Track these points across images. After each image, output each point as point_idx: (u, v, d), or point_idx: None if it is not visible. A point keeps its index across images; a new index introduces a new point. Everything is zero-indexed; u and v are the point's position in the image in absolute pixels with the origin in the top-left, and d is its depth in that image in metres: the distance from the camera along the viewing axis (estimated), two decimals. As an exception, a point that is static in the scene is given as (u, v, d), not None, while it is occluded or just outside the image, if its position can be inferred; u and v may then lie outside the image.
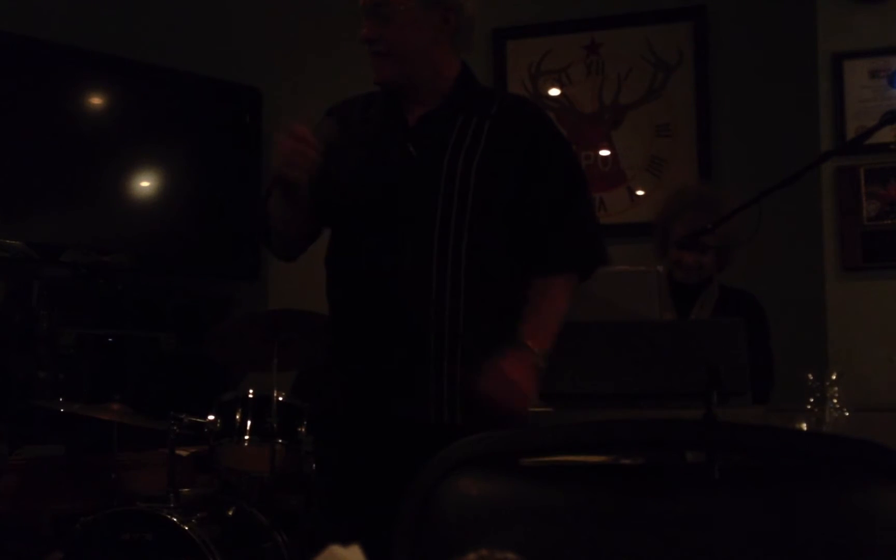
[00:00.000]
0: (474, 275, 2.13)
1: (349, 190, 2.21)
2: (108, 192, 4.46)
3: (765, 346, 3.26)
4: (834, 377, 2.37)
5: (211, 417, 3.27)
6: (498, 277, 2.18)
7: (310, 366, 3.63)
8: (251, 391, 3.29)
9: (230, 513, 3.19)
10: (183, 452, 3.41)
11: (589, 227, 2.29)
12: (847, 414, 2.35)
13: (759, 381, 2.97)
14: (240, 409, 3.27)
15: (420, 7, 2.13)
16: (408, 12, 2.12)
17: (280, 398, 3.20)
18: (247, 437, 3.25)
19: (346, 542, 0.79)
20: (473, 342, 2.11)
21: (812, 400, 2.35)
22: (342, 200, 2.22)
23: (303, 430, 3.23)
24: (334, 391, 2.23)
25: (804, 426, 2.33)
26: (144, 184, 4.60)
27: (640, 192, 4.43)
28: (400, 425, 2.11)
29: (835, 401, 2.35)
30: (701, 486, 1.05)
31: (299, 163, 2.08)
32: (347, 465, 2.18)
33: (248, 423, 3.25)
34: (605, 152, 4.48)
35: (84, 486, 3.75)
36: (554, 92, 4.55)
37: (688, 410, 1.92)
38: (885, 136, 3.21)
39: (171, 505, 3.12)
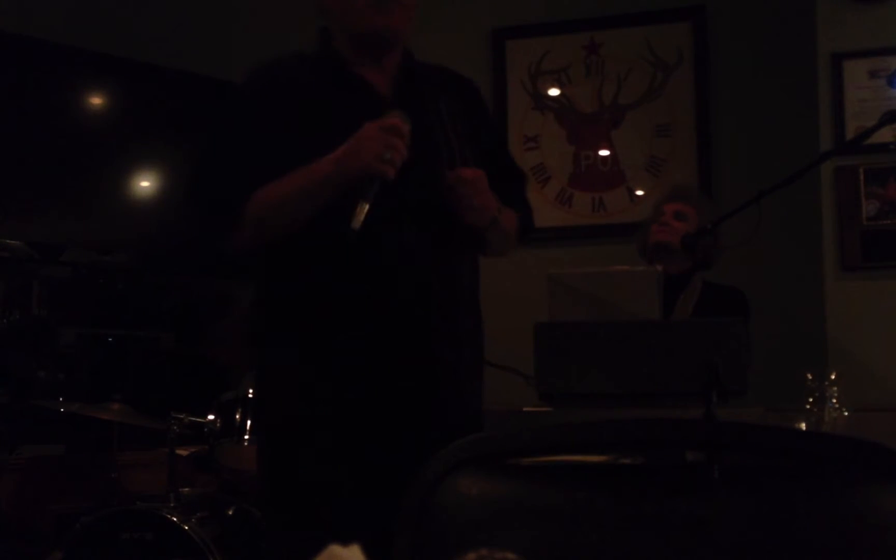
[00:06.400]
0: (467, 249, 2.13)
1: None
2: (108, 192, 4.46)
3: None
4: (833, 377, 2.37)
5: (211, 417, 3.27)
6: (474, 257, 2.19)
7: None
8: (251, 391, 3.29)
9: (230, 513, 3.19)
10: (183, 452, 3.41)
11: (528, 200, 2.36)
12: (846, 414, 2.35)
13: None
14: (240, 409, 3.27)
15: None
16: None
17: (280, 398, 3.20)
18: (247, 437, 3.25)
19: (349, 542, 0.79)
20: (458, 322, 2.10)
21: (811, 400, 2.35)
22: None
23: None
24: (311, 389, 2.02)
25: (804, 426, 2.33)
26: (144, 184, 4.60)
27: (639, 192, 4.43)
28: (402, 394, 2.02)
29: (834, 400, 2.35)
30: (701, 486, 1.05)
31: (395, 158, 1.92)
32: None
33: (248, 422, 3.25)
34: (604, 152, 4.49)
35: (84, 486, 3.75)
36: (553, 92, 4.55)
37: (688, 410, 1.92)
38: (884, 135, 3.21)
39: (171, 505, 3.12)
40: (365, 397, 2.00)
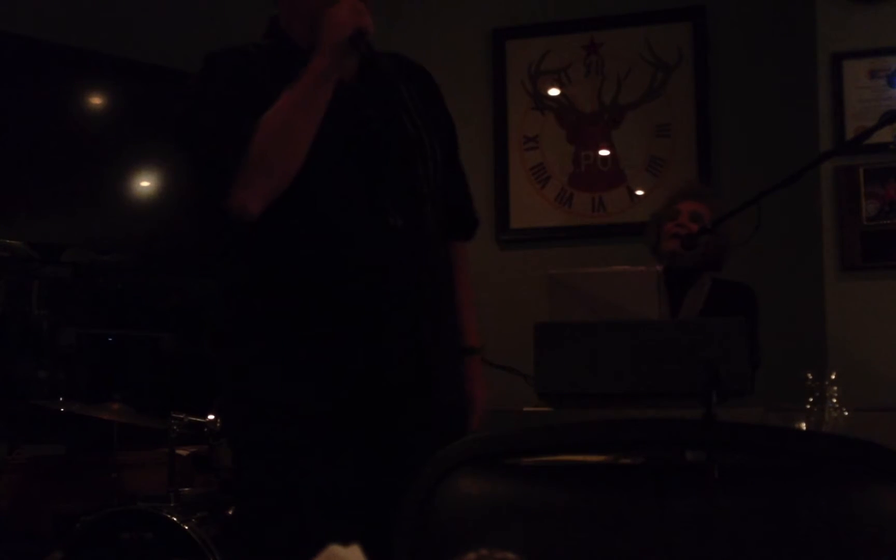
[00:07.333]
0: (442, 242, 2.11)
1: (318, 161, 1.93)
2: (108, 192, 4.46)
3: (752, 334, 3.26)
4: (833, 377, 2.38)
5: (211, 417, 3.27)
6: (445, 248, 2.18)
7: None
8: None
9: (230, 513, 3.19)
10: (183, 452, 3.41)
11: (469, 189, 2.34)
12: (846, 413, 2.35)
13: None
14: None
15: None
16: None
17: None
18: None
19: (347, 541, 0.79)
20: (438, 314, 2.08)
21: (811, 399, 2.35)
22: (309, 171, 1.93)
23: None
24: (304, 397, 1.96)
25: (804, 426, 2.33)
26: (144, 184, 4.60)
27: (639, 192, 4.43)
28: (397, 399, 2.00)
29: (834, 400, 2.35)
30: (701, 486, 1.05)
31: (364, 12, 1.90)
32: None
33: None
34: (604, 152, 4.49)
35: (84, 486, 3.75)
36: (554, 92, 4.55)
37: (688, 410, 1.92)
38: (884, 135, 3.20)
39: (171, 505, 3.12)
40: (358, 394, 1.97)
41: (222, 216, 1.91)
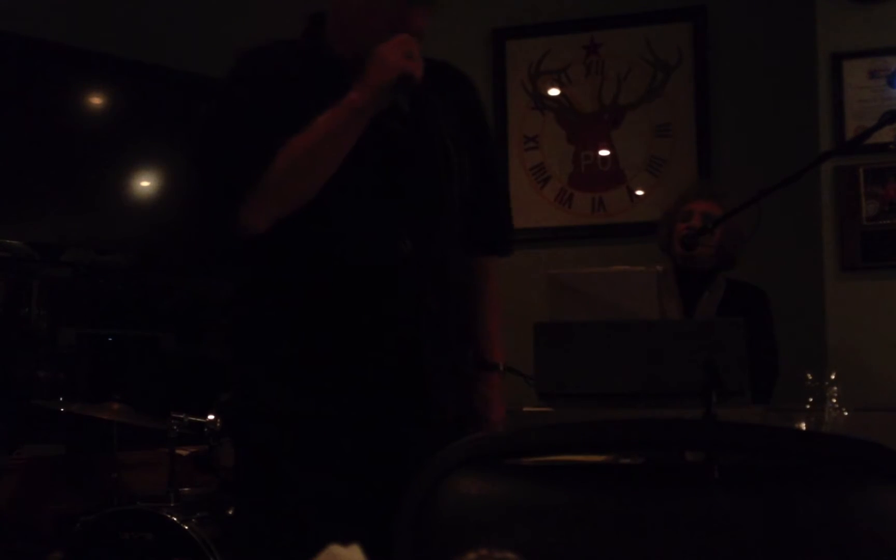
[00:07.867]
0: (455, 260, 2.08)
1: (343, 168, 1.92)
2: (108, 192, 4.46)
3: (768, 337, 3.26)
4: (833, 377, 2.38)
5: (211, 417, 3.27)
6: (463, 262, 2.15)
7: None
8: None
9: (230, 513, 3.19)
10: (183, 452, 3.41)
11: (508, 204, 2.33)
12: (846, 414, 2.35)
13: (762, 377, 2.97)
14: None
15: None
16: None
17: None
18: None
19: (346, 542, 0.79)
20: (451, 334, 2.07)
21: (811, 399, 2.35)
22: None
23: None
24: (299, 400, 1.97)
25: (804, 426, 2.33)
26: (144, 184, 4.61)
27: (639, 192, 4.43)
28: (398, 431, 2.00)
29: (834, 400, 2.35)
30: (701, 486, 1.05)
31: (416, 57, 1.87)
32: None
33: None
34: (604, 152, 4.49)
35: (84, 486, 3.75)
36: (553, 92, 4.55)
37: (688, 410, 1.92)
38: (884, 136, 3.21)
39: (171, 505, 3.12)
40: (359, 397, 1.97)
41: (225, 232, 1.92)
